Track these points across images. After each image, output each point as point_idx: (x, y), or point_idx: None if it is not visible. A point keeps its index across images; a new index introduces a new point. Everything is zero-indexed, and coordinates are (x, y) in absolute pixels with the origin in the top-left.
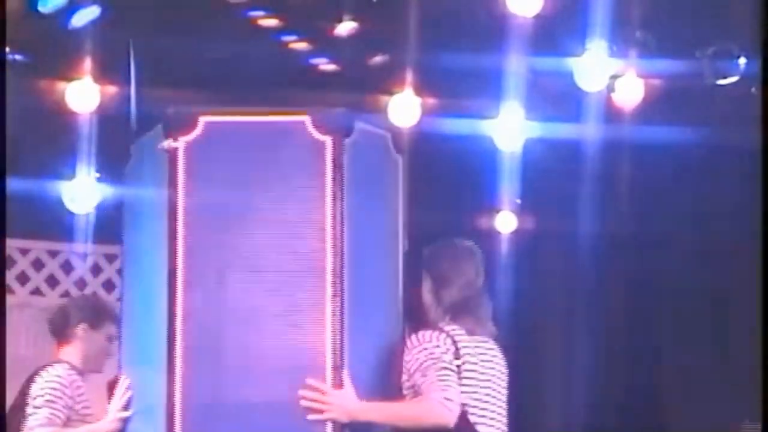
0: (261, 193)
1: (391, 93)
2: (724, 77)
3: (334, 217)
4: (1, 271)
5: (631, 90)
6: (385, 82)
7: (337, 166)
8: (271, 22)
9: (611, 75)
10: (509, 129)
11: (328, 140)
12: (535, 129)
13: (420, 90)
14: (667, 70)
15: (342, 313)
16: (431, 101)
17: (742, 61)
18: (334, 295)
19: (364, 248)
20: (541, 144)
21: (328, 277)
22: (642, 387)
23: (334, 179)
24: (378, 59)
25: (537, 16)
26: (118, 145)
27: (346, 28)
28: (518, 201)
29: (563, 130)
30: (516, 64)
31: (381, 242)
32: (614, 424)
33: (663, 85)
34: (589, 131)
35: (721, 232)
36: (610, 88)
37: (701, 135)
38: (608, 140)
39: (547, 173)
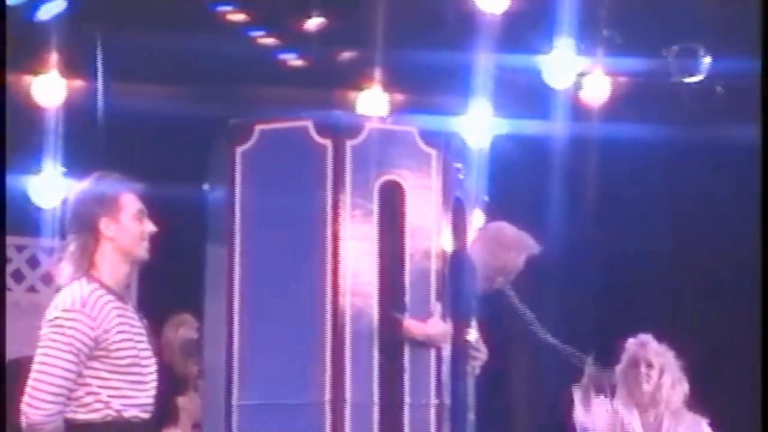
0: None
1: (359, 89)
2: (690, 76)
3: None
4: (1, 271)
5: (598, 87)
6: (354, 77)
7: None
8: (240, 17)
9: (578, 73)
10: (477, 125)
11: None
12: (503, 126)
13: (388, 86)
14: (634, 68)
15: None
16: (400, 97)
17: (707, 59)
18: None
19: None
20: (509, 140)
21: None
22: None
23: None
24: (347, 55)
25: (505, 14)
26: (84, 139)
27: (314, 23)
28: (486, 198)
29: (531, 127)
30: (484, 61)
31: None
32: None
33: (629, 83)
34: (557, 128)
35: (687, 228)
36: (578, 86)
37: (667, 132)
38: (575, 137)
39: (515, 170)
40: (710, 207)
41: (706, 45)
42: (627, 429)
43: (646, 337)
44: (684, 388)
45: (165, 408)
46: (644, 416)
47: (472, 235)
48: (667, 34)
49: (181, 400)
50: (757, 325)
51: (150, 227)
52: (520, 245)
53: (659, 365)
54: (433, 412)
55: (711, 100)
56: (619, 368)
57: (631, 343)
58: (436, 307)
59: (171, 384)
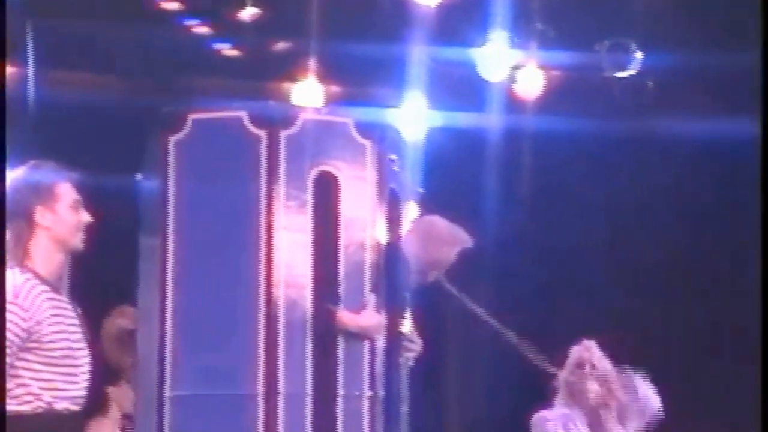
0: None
1: (294, 79)
2: (622, 70)
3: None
4: (1, 271)
5: (531, 81)
6: (289, 68)
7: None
8: (174, 6)
9: (512, 66)
10: (412, 118)
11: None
12: (437, 118)
13: (323, 77)
14: (567, 62)
15: None
16: (335, 88)
17: (639, 54)
18: None
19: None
20: (444, 133)
21: None
22: None
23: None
24: (281, 45)
25: (440, 6)
26: (18, 128)
27: (249, 13)
28: (420, 190)
29: (465, 120)
30: (419, 53)
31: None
32: None
33: (562, 77)
34: (491, 121)
35: (620, 221)
36: (512, 79)
37: (600, 125)
38: (509, 130)
39: (450, 162)
40: (643, 199)
41: (637, 40)
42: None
43: (590, 342)
44: (623, 393)
45: (96, 398)
46: (589, 417)
47: (406, 227)
48: (599, 29)
49: (112, 391)
50: (686, 317)
51: (85, 217)
52: (452, 239)
53: (603, 369)
54: (366, 403)
55: (642, 94)
56: (563, 373)
57: (574, 348)
58: (370, 298)
59: (103, 374)
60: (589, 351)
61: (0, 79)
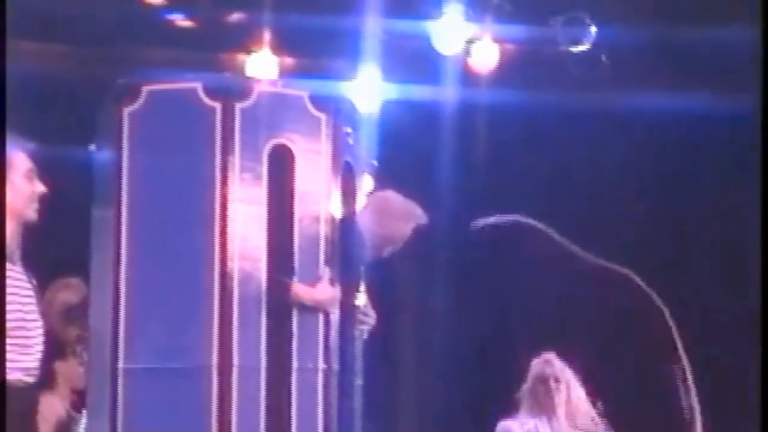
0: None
1: (249, 52)
2: (576, 44)
3: None
4: (1, 270)
5: (486, 54)
6: (244, 40)
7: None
8: None
9: (467, 39)
10: (367, 91)
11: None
12: (392, 91)
13: (278, 49)
14: (522, 35)
15: None
16: (289, 61)
17: (593, 29)
18: None
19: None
20: (399, 106)
21: None
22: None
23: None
24: (236, 17)
25: None
26: None
27: None
28: (375, 163)
29: (420, 93)
30: (374, 26)
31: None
32: None
33: (517, 50)
34: (446, 94)
35: (574, 192)
36: (467, 52)
37: (554, 99)
38: (464, 103)
39: (405, 135)
40: (598, 172)
41: (592, 14)
42: None
43: (550, 355)
44: (586, 402)
45: (43, 373)
46: (553, 425)
47: (361, 200)
48: (554, 3)
49: (59, 365)
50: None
51: (40, 187)
52: (407, 215)
53: (565, 380)
54: (320, 376)
55: (597, 68)
56: (525, 387)
57: (535, 362)
58: (325, 271)
59: (50, 348)
60: (551, 366)
61: None
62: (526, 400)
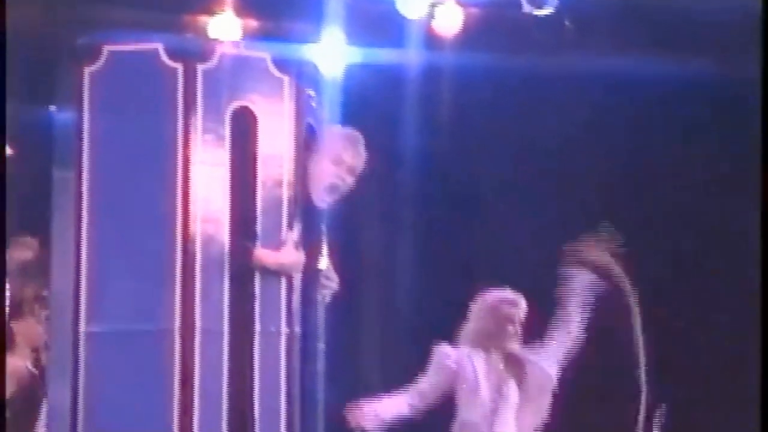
0: None
1: (212, 13)
2: (540, 8)
3: None
4: (1, 271)
5: (450, 17)
6: (206, 1)
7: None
8: None
9: (431, 2)
10: (330, 53)
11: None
12: (355, 54)
13: (241, 11)
14: None
15: None
16: (252, 23)
17: None
18: None
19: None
20: (362, 69)
21: None
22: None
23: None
24: None
25: None
26: None
27: None
28: (338, 126)
29: (383, 56)
30: None
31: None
32: None
33: (481, 14)
34: (409, 57)
35: (536, 154)
36: (431, 15)
37: (518, 63)
38: (428, 66)
39: (368, 98)
40: (561, 135)
41: None
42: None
43: (518, 297)
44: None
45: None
46: (490, 362)
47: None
48: None
49: (17, 326)
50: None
51: None
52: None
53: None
54: (283, 340)
55: (560, 31)
56: (480, 318)
57: (497, 299)
58: (288, 235)
59: (8, 309)
60: (517, 307)
61: None
62: (475, 330)
